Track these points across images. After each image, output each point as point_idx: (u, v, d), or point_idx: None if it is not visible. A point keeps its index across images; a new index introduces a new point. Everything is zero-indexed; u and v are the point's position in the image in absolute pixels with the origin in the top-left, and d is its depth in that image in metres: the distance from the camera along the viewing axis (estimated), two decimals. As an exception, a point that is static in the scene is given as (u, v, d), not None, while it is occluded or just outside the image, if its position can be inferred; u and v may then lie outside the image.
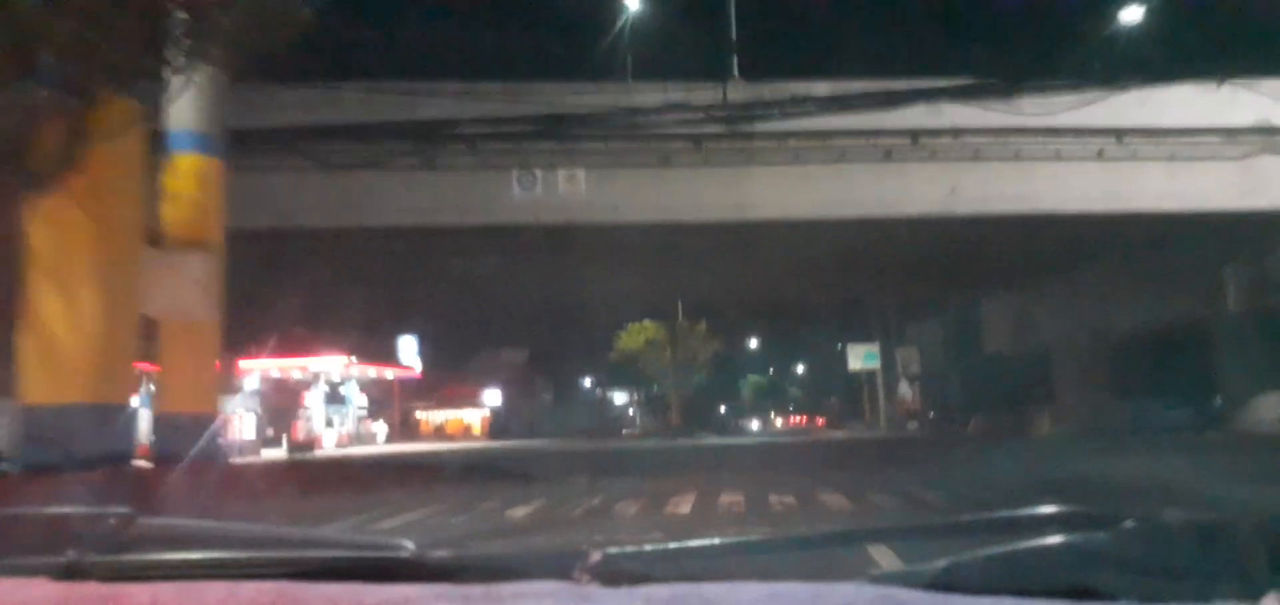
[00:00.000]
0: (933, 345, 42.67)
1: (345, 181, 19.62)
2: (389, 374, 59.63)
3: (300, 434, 52.38)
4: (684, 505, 10.55)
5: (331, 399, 54.88)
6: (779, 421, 76.39)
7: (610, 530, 8.86)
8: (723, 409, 68.40)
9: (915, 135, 20.98)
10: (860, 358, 43.13)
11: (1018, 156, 21.60)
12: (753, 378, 74.79)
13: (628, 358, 44.60)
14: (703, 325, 44.93)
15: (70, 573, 1.35)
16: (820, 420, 74.59)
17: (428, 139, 19.72)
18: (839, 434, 43.58)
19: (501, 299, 34.82)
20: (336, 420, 54.70)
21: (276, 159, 19.24)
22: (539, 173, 20.09)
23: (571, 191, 20.16)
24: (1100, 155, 21.76)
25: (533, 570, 1.31)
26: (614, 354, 45.26)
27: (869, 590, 1.18)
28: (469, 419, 66.79)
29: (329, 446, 50.98)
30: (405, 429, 63.97)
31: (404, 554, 1.36)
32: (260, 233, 20.10)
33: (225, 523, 1.80)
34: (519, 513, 10.45)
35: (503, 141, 20.02)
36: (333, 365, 51.43)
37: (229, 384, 53.79)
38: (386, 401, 63.49)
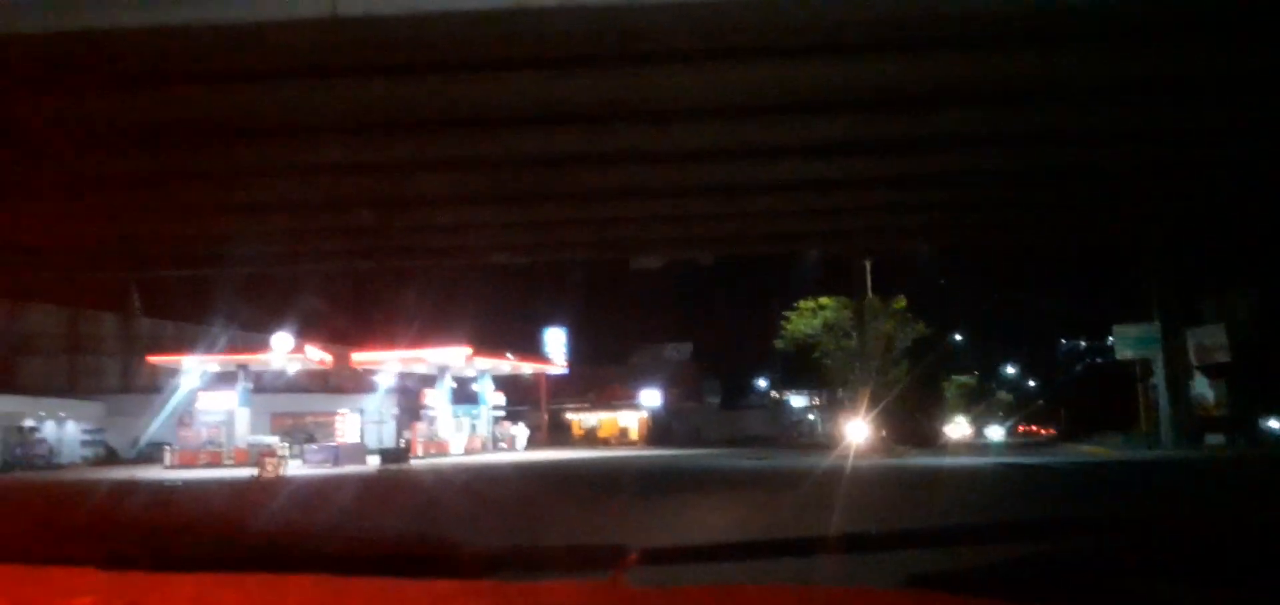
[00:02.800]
0: (1242, 326, 28.74)
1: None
2: (526, 369, 50.96)
3: (420, 438, 44.54)
4: None
5: (461, 398, 46.70)
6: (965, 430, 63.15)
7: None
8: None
9: None
10: (1130, 343, 29.72)
11: None
12: (957, 378, 61.08)
13: (800, 347, 33.04)
14: (902, 300, 32.76)
15: (117, 561, 1.39)
16: (1047, 430, 60.29)
17: None
18: (1101, 452, 30.58)
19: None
20: (469, 423, 46.42)
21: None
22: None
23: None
24: None
25: (571, 566, 1.35)
26: (781, 341, 33.76)
27: (902, 594, 1.21)
28: (625, 422, 57.71)
29: (456, 453, 42.89)
30: (554, 432, 55.50)
31: (444, 547, 1.39)
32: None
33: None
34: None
35: None
36: (453, 357, 43.04)
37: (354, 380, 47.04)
38: (531, 402, 55.24)
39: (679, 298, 64.31)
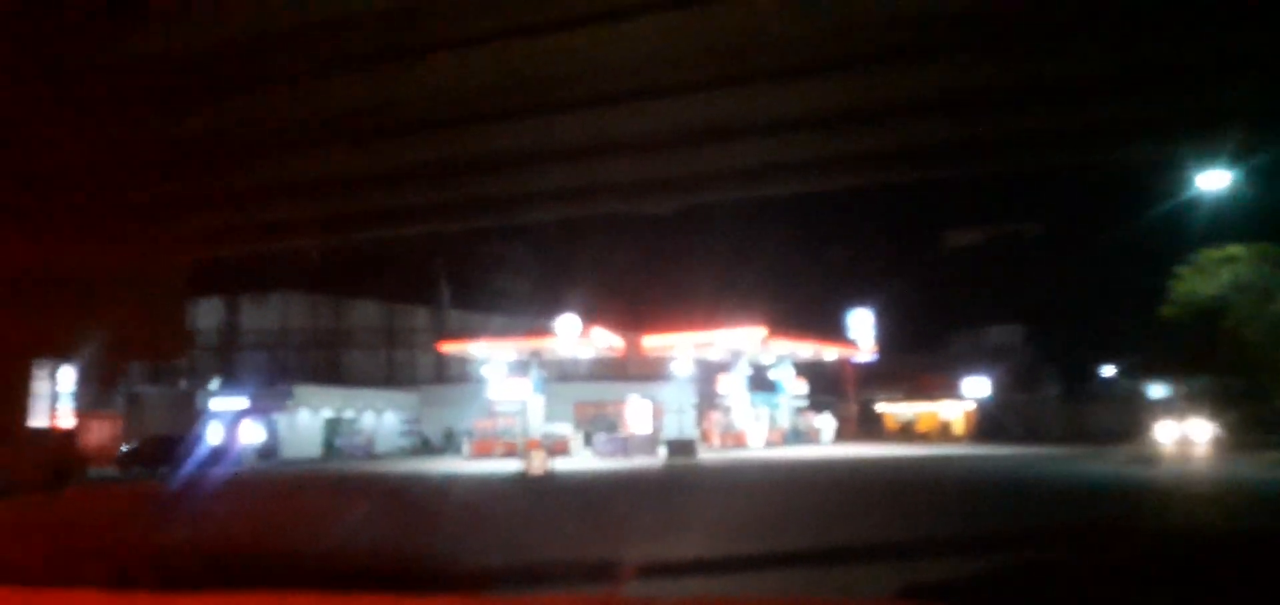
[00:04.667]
0: None
1: None
2: (829, 354, 44.91)
3: (716, 429, 40.35)
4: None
5: (758, 385, 41.92)
6: None
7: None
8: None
9: None
10: None
11: None
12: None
13: (1202, 314, 23.90)
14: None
15: (121, 581, 1.39)
16: None
17: None
18: None
19: None
20: (768, 413, 41.59)
21: None
22: None
23: None
24: None
25: (565, 580, 1.68)
26: (1172, 306, 24.74)
27: (893, 603, 1.34)
28: (946, 415, 49.83)
29: (755, 446, 38.23)
30: (864, 425, 49.05)
31: (441, 562, 1.68)
32: None
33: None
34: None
35: None
36: (748, 340, 38.23)
37: (654, 367, 43.86)
38: (836, 392, 49.15)
39: (1004, 275, 55.05)
